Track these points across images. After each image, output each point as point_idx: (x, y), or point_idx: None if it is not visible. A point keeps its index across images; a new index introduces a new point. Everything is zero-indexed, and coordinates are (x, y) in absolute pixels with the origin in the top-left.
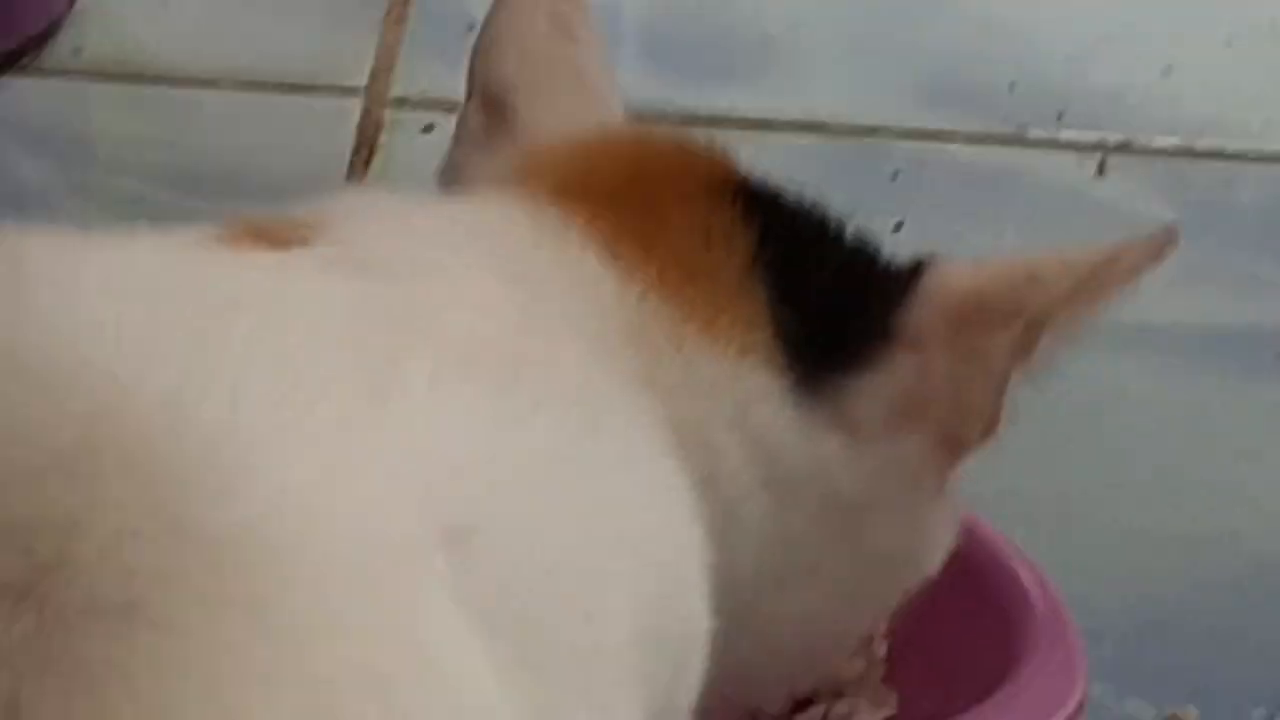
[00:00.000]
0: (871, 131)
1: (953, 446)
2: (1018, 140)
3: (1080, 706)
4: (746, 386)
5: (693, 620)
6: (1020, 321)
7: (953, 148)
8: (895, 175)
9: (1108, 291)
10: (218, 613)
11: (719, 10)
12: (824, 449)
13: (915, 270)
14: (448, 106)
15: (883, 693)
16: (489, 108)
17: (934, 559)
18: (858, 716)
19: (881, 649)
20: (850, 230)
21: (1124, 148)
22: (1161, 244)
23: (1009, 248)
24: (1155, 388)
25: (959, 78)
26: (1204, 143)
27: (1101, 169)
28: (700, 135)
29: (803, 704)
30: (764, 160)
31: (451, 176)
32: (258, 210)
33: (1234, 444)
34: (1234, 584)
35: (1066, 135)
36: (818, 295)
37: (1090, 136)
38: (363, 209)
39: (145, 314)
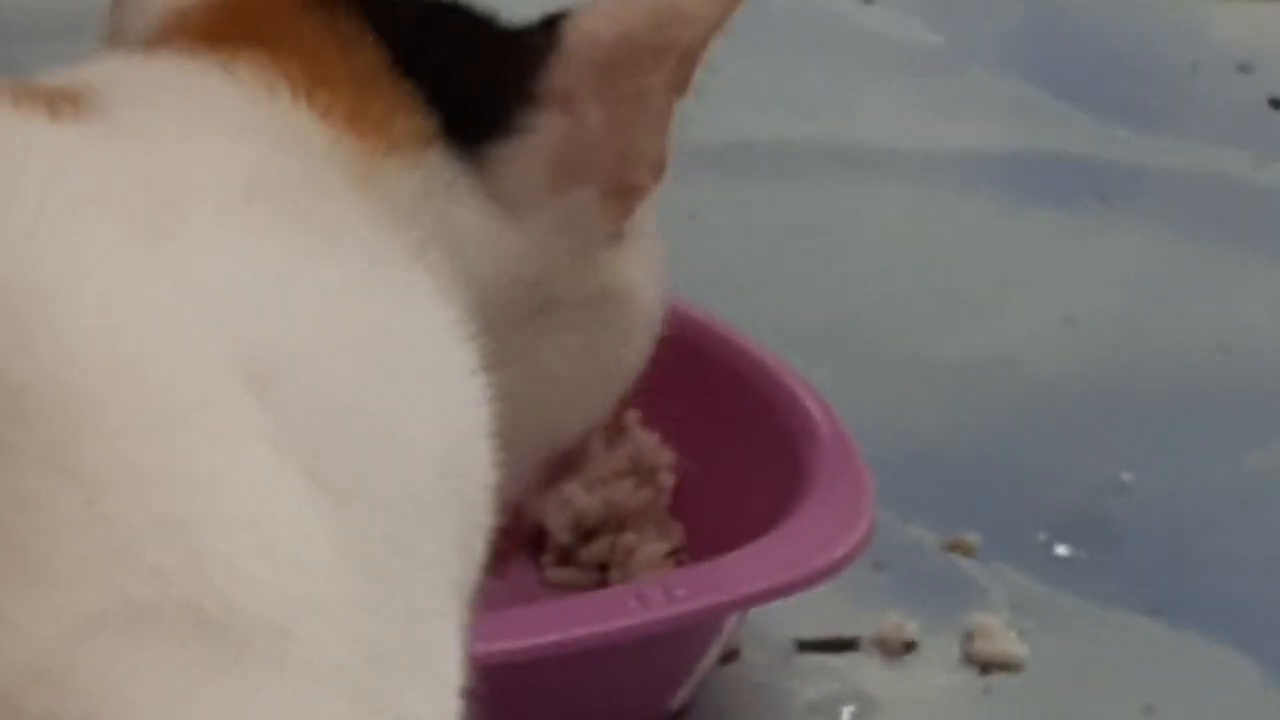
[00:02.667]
0: None
1: (625, 193)
2: None
3: (868, 534)
4: (433, 188)
5: (479, 445)
6: (673, 57)
7: None
8: None
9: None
10: (15, 461)
11: None
12: (496, 225)
13: (551, 29)
14: None
15: (668, 524)
16: None
17: (645, 299)
18: (643, 548)
19: (667, 480)
20: (470, 10)
21: None
22: None
23: (776, 76)
24: (927, 215)
25: None
26: None
27: None
28: None
29: (587, 537)
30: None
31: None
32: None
33: (1006, 269)
34: (1011, 409)
35: None
36: (460, 70)
37: None
38: (111, 76)
39: None
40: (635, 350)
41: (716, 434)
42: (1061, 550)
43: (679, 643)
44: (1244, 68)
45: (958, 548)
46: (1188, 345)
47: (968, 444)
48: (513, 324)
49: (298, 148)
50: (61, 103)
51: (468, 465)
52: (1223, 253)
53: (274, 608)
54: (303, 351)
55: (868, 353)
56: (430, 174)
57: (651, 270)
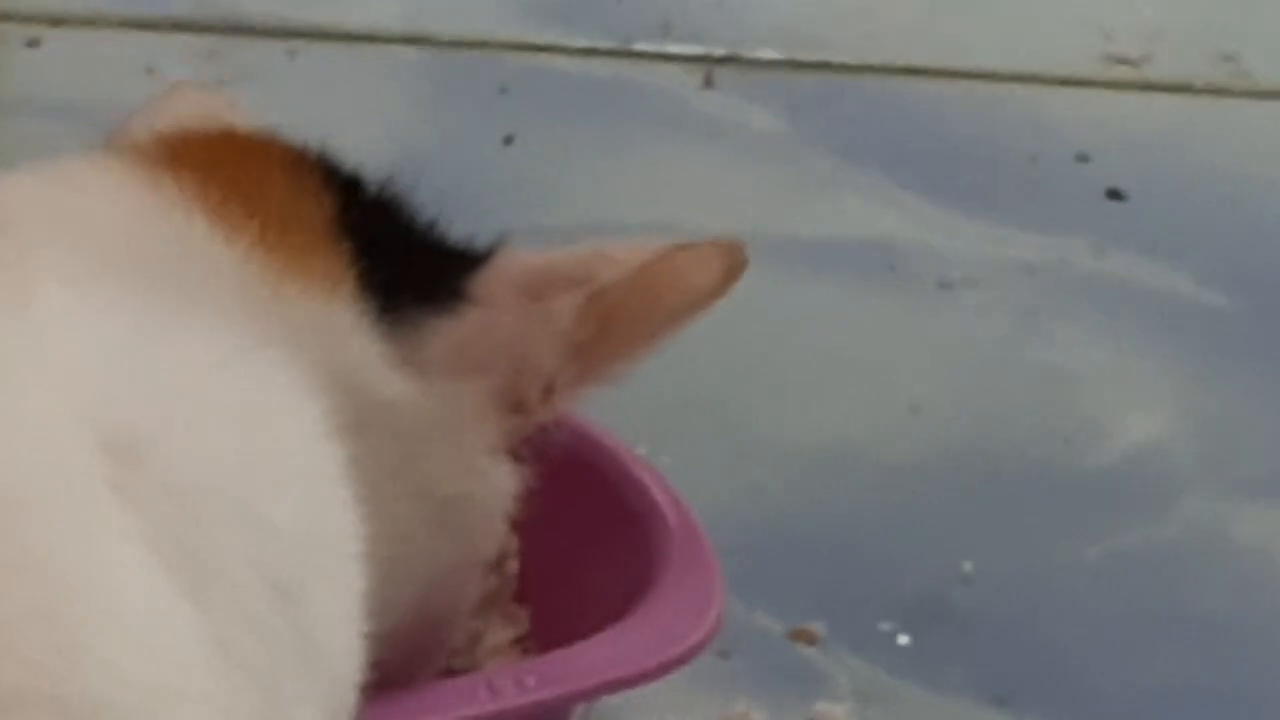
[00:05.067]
0: (478, 45)
1: (513, 404)
2: (624, 53)
3: (718, 622)
4: (334, 326)
5: (342, 538)
6: (586, 289)
7: (560, 60)
8: (504, 89)
9: (670, 288)
10: None
11: None
12: (395, 384)
13: (495, 244)
14: (53, 20)
15: (513, 611)
16: None
17: (491, 530)
18: (489, 635)
19: (513, 567)
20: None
21: (730, 60)
22: (725, 254)
23: (618, 161)
24: (770, 300)
25: None
26: (810, 55)
27: (708, 81)
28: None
29: None
30: (371, 75)
31: None
32: None
33: (849, 356)
34: (854, 497)
35: (672, 48)
36: (400, 250)
37: (696, 49)
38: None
39: None
40: (463, 573)
41: (562, 520)
42: (904, 639)
43: None
44: (1082, 157)
45: (802, 636)
46: (1029, 434)
47: (811, 531)
48: (377, 472)
49: (184, 250)
50: None
51: (330, 552)
52: (1063, 342)
53: (140, 700)
54: (160, 425)
55: (711, 438)
56: (336, 312)
57: (503, 509)
